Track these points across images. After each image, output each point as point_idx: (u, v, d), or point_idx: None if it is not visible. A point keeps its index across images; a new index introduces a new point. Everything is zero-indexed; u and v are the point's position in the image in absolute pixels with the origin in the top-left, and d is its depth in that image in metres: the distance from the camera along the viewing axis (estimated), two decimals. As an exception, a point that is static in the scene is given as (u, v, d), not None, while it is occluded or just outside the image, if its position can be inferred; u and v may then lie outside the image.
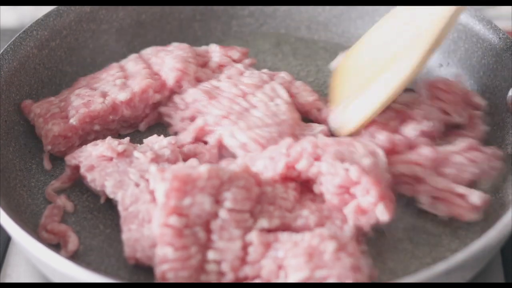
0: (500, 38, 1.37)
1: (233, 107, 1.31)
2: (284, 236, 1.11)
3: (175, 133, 1.35)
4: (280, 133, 1.27)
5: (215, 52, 1.43)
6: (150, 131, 1.37)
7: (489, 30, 1.39)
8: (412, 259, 1.18)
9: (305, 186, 1.21)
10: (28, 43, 1.39)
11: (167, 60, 1.38)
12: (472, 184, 1.24)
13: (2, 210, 1.13)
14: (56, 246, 1.19)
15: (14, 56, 1.36)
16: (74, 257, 1.18)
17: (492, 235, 1.09)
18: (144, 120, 1.37)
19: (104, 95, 1.34)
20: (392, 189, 1.23)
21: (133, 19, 1.52)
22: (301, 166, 1.18)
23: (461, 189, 1.20)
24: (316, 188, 1.19)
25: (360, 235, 1.17)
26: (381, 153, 1.21)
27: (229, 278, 1.08)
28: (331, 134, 1.31)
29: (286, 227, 1.14)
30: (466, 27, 1.42)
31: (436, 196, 1.21)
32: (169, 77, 1.36)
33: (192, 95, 1.33)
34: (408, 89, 1.33)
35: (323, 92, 1.44)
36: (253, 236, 1.10)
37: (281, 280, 1.08)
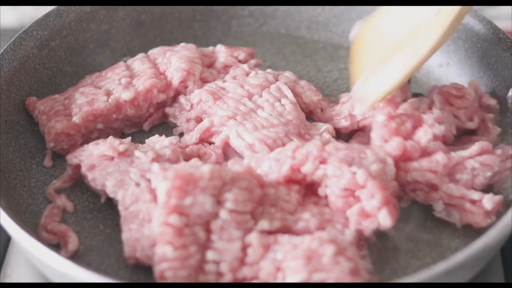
0: (500, 38, 1.37)
1: (239, 107, 1.31)
2: (283, 238, 1.11)
3: (181, 134, 1.35)
4: (286, 133, 1.27)
5: (221, 52, 1.43)
6: (154, 130, 1.37)
7: (489, 30, 1.39)
8: (412, 259, 1.18)
9: (309, 189, 1.21)
10: (28, 43, 1.39)
11: (173, 60, 1.38)
12: (488, 187, 1.24)
13: (2, 210, 1.13)
14: (56, 246, 1.19)
15: (14, 56, 1.36)
16: (74, 257, 1.18)
17: (492, 235, 1.09)
18: (148, 120, 1.37)
19: (108, 93, 1.34)
20: (405, 196, 1.23)
21: (133, 19, 1.52)
22: (306, 168, 1.18)
23: (475, 195, 1.20)
24: (321, 191, 1.19)
25: (362, 240, 1.17)
26: (390, 162, 1.20)
27: (227, 278, 1.08)
28: (335, 132, 1.31)
29: (286, 230, 1.14)
30: (466, 27, 1.42)
31: (450, 203, 1.21)
32: (175, 77, 1.36)
33: (197, 95, 1.34)
34: (420, 94, 1.33)
35: (323, 92, 1.44)
36: (253, 238, 1.10)
37: (279, 282, 1.08)
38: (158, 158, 1.23)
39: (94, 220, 1.24)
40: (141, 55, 1.42)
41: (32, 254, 1.12)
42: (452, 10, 1.21)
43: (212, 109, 1.32)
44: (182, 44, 1.44)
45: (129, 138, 1.28)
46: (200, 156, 1.27)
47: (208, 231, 1.11)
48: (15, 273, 1.23)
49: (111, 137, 1.28)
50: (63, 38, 1.45)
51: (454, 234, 1.21)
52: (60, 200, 1.25)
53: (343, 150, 1.20)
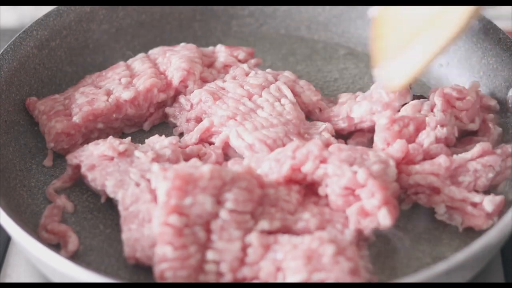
0: (500, 38, 1.37)
1: (239, 107, 1.31)
2: (283, 238, 1.11)
3: (180, 134, 1.35)
4: (286, 133, 1.27)
5: (221, 52, 1.43)
6: (154, 130, 1.37)
7: (489, 30, 1.39)
8: (412, 259, 1.18)
9: (309, 189, 1.21)
10: (28, 43, 1.39)
11: (173, 60, 1.38)
12: (491, 188, 1.24)
13: (2, 210, 1.13)
14: (56, 246, 1.19)
15: (14, 56, 1.36)
16: (74, 257, 1.18)
17: (492, 235, 1.09)
18: (148, 119, 1.37)
19: (108, 93, 1.34)
20: (407, 199, 1.23)
21: (133, 19, 1.52)
22: (306, 168, 1.18)
23: (476, 198, 1.20)
24: (321, 190, 1.19)
25: (362, 239, 1.17)
26: (392, 164, 1.20)
27: (227, 278, 1.08)
28: (334, 132, 1.31)
29: (286, 230, 1.14)
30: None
31: (452, 206, 1.21)
32: (175, 76, 1.36)
33: (197, 95, 1.34)
34: (421, 96, 1.32)
35: (323, 92, 1.44)
36: (253, 238, 1.10)
37: (279, 282, 1.08)
38: (158, 158, 1.23)
39: (94, 220, 1.24)
40: (141, 55, 1.43)
41: (32, 254, 1.12)
42: None
43: (212, 109, 1.32)
44: (182, 44, 1.44)
45: (129, 138, 1.28)
46: (200, 156, 1.27)
47: (208, 231, 1.11)
48: (15, 273, 1.23)
49: (111, 137, 1.28)
50: (63, 38, 1.45)
51: (454, 234, 1.21)
52: (60, 200, 1.25)
53: (346, 150, 1.20)
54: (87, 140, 1.33)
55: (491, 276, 1.21)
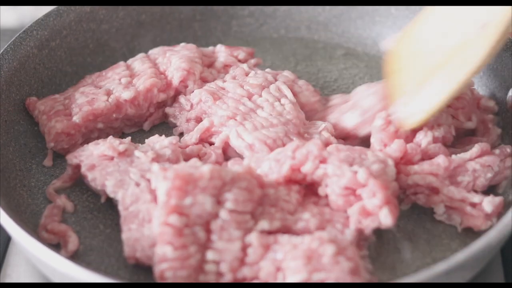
0: (500, 38, 1.37)
1: (239, 107, 1.31)
2: (283, 238, 1.11)
3: (180, 134, 1.35)
4: (286, 133, 1.27)
5: (221, 52, 1.43)
6: (154, 130, 1.37)
7: (489, 30, 1.39)
8: (412, 259, 1.18)
9: (309, 189, 1.21)
10: (28, 43, 1.39)
11: (173, 60, 1.38)
12: (490, 188, 1.24)
13: (2, 210, 1.13)
14: (56, 246, 1.19)
15: (14, 56, 1.36)
16: (74, 257, 1.18)
17: (492, 235, 1.09)
18: (148, 119, 1.38)
19: (108, 93, 1.34)
20: (406, 199, 1.23)
21: (133, 19, 1.52)
22: (306, 168, 1.18)
23: (475, 198, 1.20)
24: (321, 191, 1.19)
25: (362, 239, 1.17)
26: (391, 163, 1.20)
27: (227, 278, 1.08)
28: (334, 132, 1.31)
29: (286, 230, 1.14)
30: (466, 27, 1.42)
31: (451, 206, 1.21)
32: (175, 76, 1.36)
33: (197, 95, 1.34)
34: None
35: (323, 92, 1.44)
36: (253, 238, 1.10)
37: (279, 282, 1.08)
38: (158, 158, 1.23)
39: (94, 220, 1.24)
40: (141, 55, 1.43)
41: (32, 254, 1.12)
42: (500, 22, 1.14)
43: (212, 109, 1.32)
44: (182, 44, 1.44)
45: (129, 138, 1.28)
46: (200, 156, 1.27)
47: (208, 231, 1.11)
48: (15, 273, 1.23)
49: (111, 137, 1.28)
50: (63, 38, 1.45)
51: (454, 234, 1.21)
52: (60, 200, 1.25)
53: (344, 151, 1.20)
54: (87, 140, 1.33)
55: (491, 276, 1.21)
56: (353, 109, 1.31)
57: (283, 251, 1.09)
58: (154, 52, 1.43)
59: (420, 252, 1.19)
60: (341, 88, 1.46)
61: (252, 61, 1.43)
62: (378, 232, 1.19)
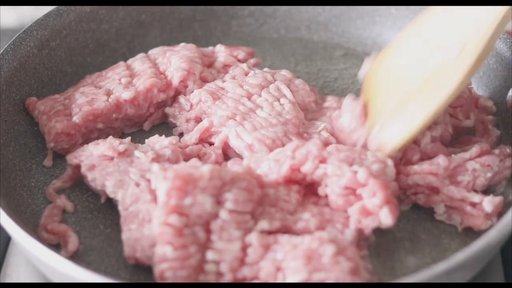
0: (500, 38, 1.37)
1: (238, 107, 1.31)
2: (283, 238, 1.11)
3: (180, 134, 1.35)
4: (285, 133, 1.27)
5: (220, 52, 1.43)
6: (154, 130, 1.37)
7: (489, 30, 1.39)
8: (412, 259, 1.18)
9: (309, 189, 1.21)
10: (28, 43, 1.39)
11: (173, 60, 1.38)
12: (490, 188, 1.24)
13: (2, 210, 1.13)
14: (56, 246, 1.19)
15: (14, 56, 1.36)
16: (74, 257, 1.18)
17: (492, 235, 1.09)
18: (148, 119, 1.38)
19: (108, 93, 1.34)
20: (406, 200, 1.24)
21: (133, 19, 1.52)
22: (306, 168, 1.18)
23: (475, 198, 1.20)
24: (321, 191, 1.19)
25: (362, 239, 1.17)
26: (390, 164, 1.20)
27: (227, 278, 1.08)
28: (333, 131, 1.31)
29: (286, 230, 1.14)
30: (466, 27, 1.42)
31: (451, 205, 1.21)
32: (175, 76, 1.36)
33: (197, 96, 1.34)
34: None
35: (323, 92, 1.44)
36: (253, 238, 1.10)
37: (279, 282, 1.08)
38: (158, 158, 1.23)
39: (94, 220, 1.24)
40: (141, 55, 1.43)
41: (32, 254, 1.12)
42: (476, 46, 1.15)
43: (212, 109, 1.32)
44: (182, 44, 1.44)
45: (128, 138, 1.28)
46: (200, 157, 1.27)
47: (208, 231, 1.11)
48: (15, 273, 1.23)
49: (110, 137, 1.28)
50: (63, 38, 1.45)
51: (454, 234, 1.21)
52: (60, 200, 1.25)
53: (344, 151, 1.20)
54: (87, 140, 1.33)
55: (491, 276, 1.21)
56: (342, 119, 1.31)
57: (283, 251, 1.09)
58: (154, 52, 1.43)
59: (420, 252, 1.19)
60: (341, 88, 1.46)
61: (252, 61, 1.43)
62: (378, 232, 1.19)
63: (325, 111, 1.34)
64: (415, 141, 1.24)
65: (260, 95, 1.33)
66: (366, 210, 1.15)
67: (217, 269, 1.09)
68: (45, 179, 1.30)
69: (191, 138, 1.30)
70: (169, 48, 1.43)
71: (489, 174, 1.23)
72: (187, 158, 1.26)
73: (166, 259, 1.08)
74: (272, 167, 1.20)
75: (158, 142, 1.27)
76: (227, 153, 1.29)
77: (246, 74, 1.38)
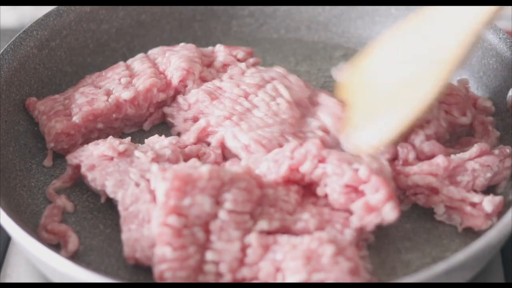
0: (500, 38, 1.37)
1: (235, 107, 1.31)
2: (283, 238, 1.11)
3: (178, 134, 1.35)
4: (281, 133, 1.27)
5: (220, 51, 1.43)
6: (154, 130, 1.37)
7: (489, 30, 1.39)
8: (412, 259, 1.18)
9: (307, 189, 1.21)
10: (28, 43, 1.39)
11: (173, 60, 1.38)
12: (489, 188, 1.24)
13: (2, 210, 1.13)
14: (56, 246, 1.19)
15: (14, 56, 1.36)
16: (74, 257, 1.18)
17: (492, 235, 1.09)
18: (148, 119, 1.38)
19: (108, 93, 1.34)
20: (406, 200, 1.24)
21: (133, 19, 1.52)
22: (305, 168, 1.18)
23: (475, 198, 1.20)
24: (320, 190, 1.19)
25: (361, 239, 1.17)
26: (385, 163, 1.21)
27: (227, 279, 1.08)
28: (327, 129, 1.31)
29: (286, 230, 1.14)
30: (466, 27, 1.41)
31: (451, 206, 1.21)
32: (174, 76, 1.36)
33: (194, 95, 1.34)
34: None
35: (323, 92, 1.44)
36: (252, 238, 1.10)
37: (278, 282, 1.08)
38: (158, 158, 1.23)
39: (94, 220, 1.24)
40: (140, 55, 1.43)
41: (32, 254, 1.12)
42: (448, 61, 1.17)
43: (209, 109, 1.32)
44: (182, 44, 1.44)
45: (128, 138, 1.28)
46: (199, 157, 1.27)
47: (207, 231, 1.11)
48: (15, 273, 1.23)
49: (110, 137, 1.28)
50: (63, 38, 1.45)
51: (454, 234, 1.21)
52: (60, 200, 1.25)
53: (339, 153, 1.20)
54: (87, 140, 1.33)
55: (491, 276, 1.21)
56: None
57: (283, 252, 1.09)
58: (154, 52, 1.43)
59: (420, 252, 1.19)
60: (341, 88, 1.46)
61: (251, 60, 1.43)
62: (378, 232, 1.19)
63: (317, 108, 1.34)
64: (409, 141, 1.24)
65: (257, 95, 1.33)
66: (369, 206, 1.14)
67: (216, 270, 1.09)
68: (45, 179, 1.30)
69: (188, 138, 1.30)
70: (168, 48, 1.43)
71: (488, 174, 1.23)
72: (186, 158, 1.26)
73: (165, 260, 1.08)
74: (270, 167, 1.20)
75: (158, 142, 1.27)
76: (224, 153, 1.29)
77: (244, 73, 1.38)
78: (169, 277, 1.08)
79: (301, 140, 1.26)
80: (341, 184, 1.16)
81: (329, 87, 1.46)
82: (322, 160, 1.18)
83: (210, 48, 1.45)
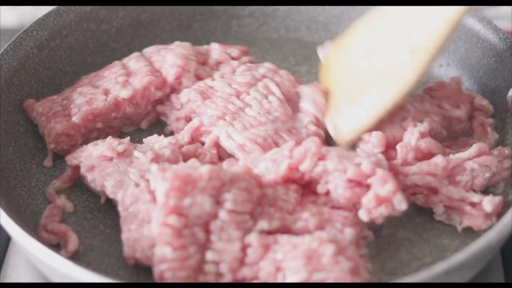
0: (500, 38, 1.37)
1: (228, 107, 1.31)
2: (283, 238, 1.11)
3: (171, 133, 1.36)
4: (275, 131, 1.27)
5: (214, 49, 1.43)
6: (151, 129, 1.38)
7: (489, 30, 1.39)
8: (412, 259, 1.18)
9: (306, 188, 1.21)
10: (28, 43, 1.39)
11: (168, 58, 1.38)
12: (488, 188, 1.25)
13: (2, 210, 1.13)
14: (56, 246, 1.19)
15: (14, 56, 1.36)
16: (74, 257, 1.18)
17: (492, 235, 1.09)
18: (146, 118, 1.38)
19: (106, 92, 1.34)
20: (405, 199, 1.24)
21: (133, 19, 1.52)
22: (304, 166, 1.18)
23: (475, 198, 1.20)
24: (321, 188, 1.19)
25: (361, 238, 1.17)
26: (381, 157, 1.21)
27: (227, 279, 1.08)
28: (320, 122, 1.32)
29: (286, 229, 1.14)
30: (466, 27, 1.42)
31: (450, 205, 1.21)
32: (170, 73, 1.36)
33: (186, 95, 1.34)
34: None
35: (323, 92, 1.44)
36: (253, 238, 1.10)
37: (279, 282, 1.08)
38: (157, 158, 1.23)
39: (94, 220, 1.24)
40: (136, 53, 1.43)
41: (32, 254, 1.12)
42: (427, 49, 1.18)
43: (201, 109, 1.32)
44: (177, 42, 1.44)
45: (127, 138, 1.28)
46: (196, 156, 1.27)
47: (208, 231, 1.11)
48: (15, 273, 1.23)
49: (109, 137, 1.27)
50: (63, 38, 1.45)
51: (454, 234, 1.21)
52: (60, 200, 1.25)
53: (336, 150, 1.20)
54: (86, 140, 1.33)
55: (491, 276, 1.21)
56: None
57: (283, 251, 1.09)
58: (149, 50, 1.43)
59: (420, 252, 1.19)
60: (341, 88, 1.45)
61: (245, 58, 1.43)
62: (378, 232, 1.19)
63: (300, 100, 1.35)
64: (405, 142, 1.25)
65: (248, 94, 1.33)
66: (380, 198, 1.14)
67: (216, 270, 1.09)
68: (45, 179, 1.30)
69: (183, 137, 1.31)
70: (163, 46, 1.43)
71: (487, 174, 1.23)
72: (185, 158, 1.26)
73: (165, 260, 1.08)
74: (269, 167, 1.20)
75: (157, 142, 1.27)
76: (218, 153, 1.29)
77: (234, 71, 1.38)
78: (169, 277, 1.08)
79: (295, 137, 1.27)
80: (345, 179, 1.16)
81: (329, 87, 1.46)
82: (322, 158, 1.18)
83: (205, 46, 1.45)
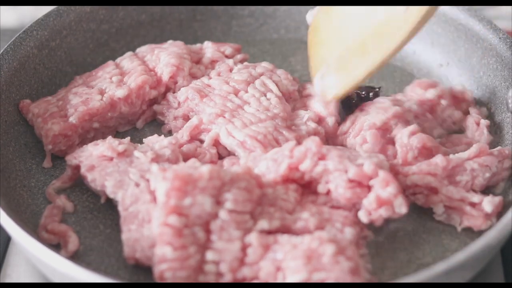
0: (500, 38, 1.37)
1: (227, 104, 1.31)
2: (283, 238, 1.11)
3: (169, 132, 1.36)
4: (275, 127, 1.28)
5: (208, 48, 1.44)
6: (147, 128, 1.38)
7: (489, 30, 1.39)
8: (412, 259, 1.18)
9: (306, 188, 1.21)
10: (28, 43, 1.39)
11: (162, 57, 1.38)
12: (488, 188, 1.25)
13: (2, 210, 1.13)
14: (56, 246, 1.19)
15: (14, 56, 1.36)
16: (74, 257, 1.18)
17: (492, 235, 1.09)
18: (141, 117, 1.38)
19: (101, 92, 1.34)
20: (405, 200, 1.24)
21: (133, 19, 1.52)
22: (305, 166, 1.18)
23: (475, 198, 1.20)
24: (321, 187, 1.19)
25: (361, 237, 1.17)
26: (382, 157, 1.21)
27: (227, 278, 1.08)
28: (319, 120, 1.32)
29: (286, 229, 1.14)
30: (466, 27, 1.42)
31: (450, 206, 1.21)
32: (164, 72, 1.36)
33: (183, 93, 1.34)
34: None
35: (323, 92, 1.44)
36: (253, 238, 1.10)
37: (279, 282, 1.08)
38: (157, 158, 1.23)
39: (94, 220, 1.24)
40: (129, 53, 1.43)
41: (32, 254, 1.12)
42: (420, 8, 1.18)
43: (199, 107, 1.32)
44: (170, 41, 1.44)
45: (128, 138, 1.28)
46: (195, 156, 1.27)
47: (208, 231, 1.11)
48: (15, 273, 1.23)
49: (110, 137, 1.28)
50: (63, 38, 1.45)
51: (454, 234, 1.21)
52: (60, 200, 1.25)
53: (336, 150, 1.20)
54: (83, 140, 1.33)
55: (491, 276, 1.21)
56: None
57: (283, 251, 1.09)
58: (142, 50, 1.43)
59: (420, 252, 1.19)
60: (341, 88, 1.45)
61: (239, 56, 1.43)
62: (378, 232, 1.19)
63: (306, 99, 1.35)
64: (399, 142, 1.25)
65: (246, 91, 1.34)
66: (381, 199, 1.15)
67: (216, 270, 1.09)
68: (45, 179, 1.30)
69: (182, 136, 1.31)
70: (157, 46, 1.43)
71: (487, 174, 1.23)
72: (185, 158, 1.26)
73: (165, 260, 1.08)
74: (270, 166, 1.20)
75: (158, 142, 1.27)
76: (218, 151, 1.29)
77: (231, 70, 1.38)
78: (169, 277, 1.08)
79: (295, 133, 1.27)
80: (346, 179, 1.16)
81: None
82: (322, 157, 1.18)
83: (198, 45, 1.45)
